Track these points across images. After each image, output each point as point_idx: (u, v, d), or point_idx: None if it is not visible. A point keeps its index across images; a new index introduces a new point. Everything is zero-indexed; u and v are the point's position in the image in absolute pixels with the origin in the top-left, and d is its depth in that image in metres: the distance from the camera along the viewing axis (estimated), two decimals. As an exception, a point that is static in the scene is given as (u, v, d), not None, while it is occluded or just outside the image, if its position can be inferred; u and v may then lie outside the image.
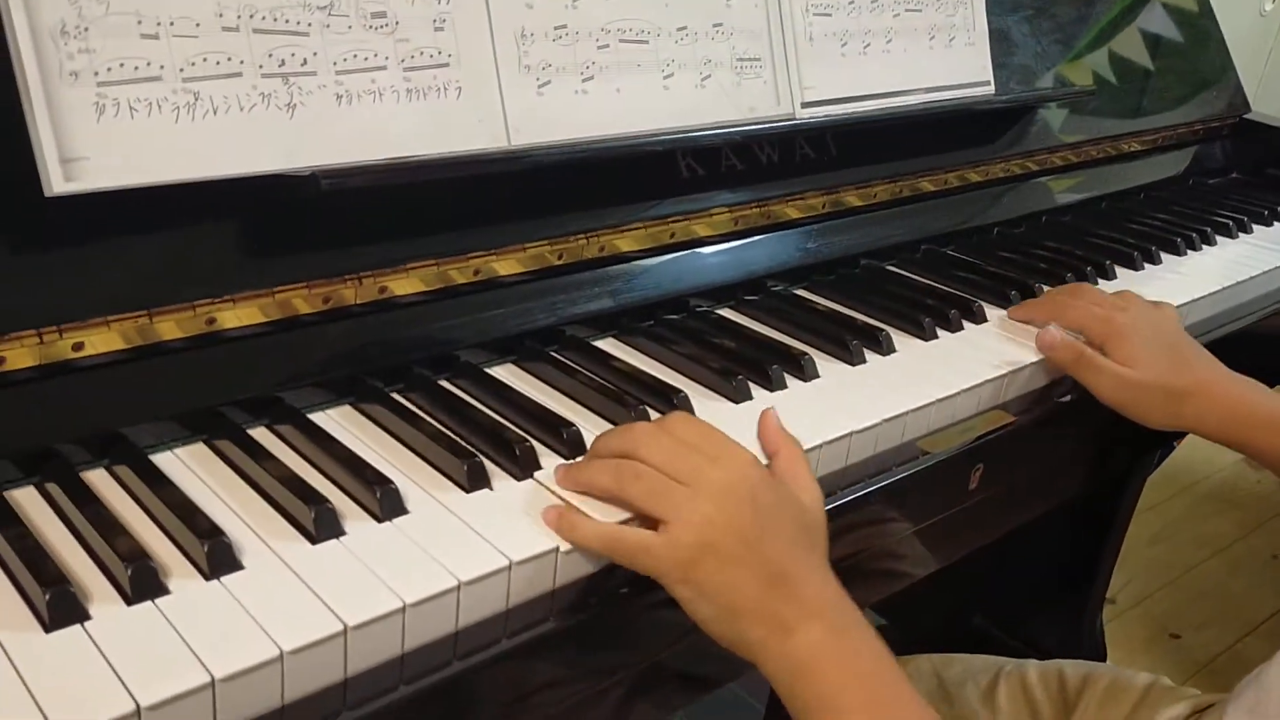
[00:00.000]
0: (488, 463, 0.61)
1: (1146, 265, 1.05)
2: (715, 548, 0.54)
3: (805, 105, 0.84)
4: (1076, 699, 0.84)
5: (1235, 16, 1.46)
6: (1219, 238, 1.15)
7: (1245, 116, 1.37)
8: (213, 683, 0.45)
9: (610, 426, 0.67)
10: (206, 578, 0.50)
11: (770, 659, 0.55)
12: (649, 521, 0.56)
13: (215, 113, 0.57)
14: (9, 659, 0.45)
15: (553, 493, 0.60)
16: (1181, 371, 0.79)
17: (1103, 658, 1.51)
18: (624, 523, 0.57)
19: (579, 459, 0.62)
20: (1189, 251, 1.10)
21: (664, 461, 0.57)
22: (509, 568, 0.54)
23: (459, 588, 0.52)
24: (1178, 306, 0.95)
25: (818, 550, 0.58)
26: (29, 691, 0.43)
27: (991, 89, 1.00)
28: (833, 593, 0.56)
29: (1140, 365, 0.78)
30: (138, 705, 0.43)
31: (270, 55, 0.58)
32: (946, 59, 0.95)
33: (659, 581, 0.56)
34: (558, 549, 0.56)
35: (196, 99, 0.56)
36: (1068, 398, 0.83)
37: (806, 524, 0.58)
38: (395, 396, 0.68)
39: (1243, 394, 0.79)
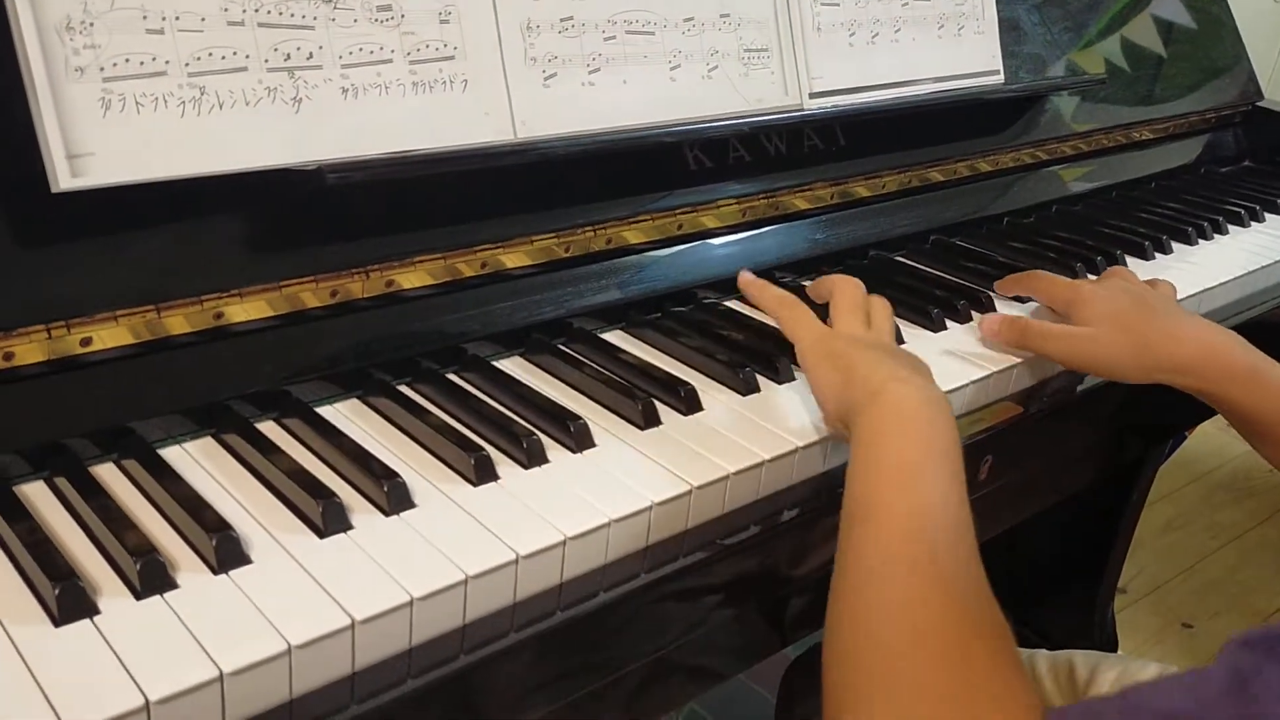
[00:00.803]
0: (495, 456, 0.61)
1: (1158, 255, 1.04)
2: (853, 339, 0.70)
3: (813, 96, 0.84)
4: (1086, 689, 0.84)
5: (1247, 3, 1.45)
6: (1231, 226, 1.14)
7: (1258, 104, 1.36)
8: (221, 677, 0.45)
9: (617, 419, 0.67)
10: (215, 572, 0.51)
11: (860, 408, 0.62)
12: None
13: (221, 107, 0.57)
14: (18, 653, 0.45)
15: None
16: (1147, 324, 0.78)
17: (1114, 648, 1.50)
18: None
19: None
20: (1200, 240, 1.09)
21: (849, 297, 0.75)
22: (516, 561, 0.54)
23: (466, 581, 0.52)
24: (1191, 295, 0.95)
25: (909, 364, 0.67)
26: (39, 685, 0.43)
27: (1001, 78, 0.99)
28: (911, 378, 0.64)
29: (1101, 324, 0.77)
30: (147, 699, 0.43)
31: (276, 49, 0.58)
32: (955, 48, 0.94)
33: (797, 347, 0.71)
34: (564, 542, 0.56)
35: (202, 94, 0.56)
36: (1083, 386, 0.82)
37: (897, 353, 0.70)
38: (403, 390, 0.68)
39: (1216, 341, 0.77)
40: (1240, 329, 0.97)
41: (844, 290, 0.76)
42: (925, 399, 0.62)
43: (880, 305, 0.76)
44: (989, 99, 0.99)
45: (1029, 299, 0.89)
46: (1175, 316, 0.80)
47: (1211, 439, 2.16)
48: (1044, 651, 0.90)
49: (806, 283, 0.83)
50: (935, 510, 0.56)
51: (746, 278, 0.80)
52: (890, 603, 0.53)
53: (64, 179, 0.52)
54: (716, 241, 0.85)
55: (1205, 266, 1.02)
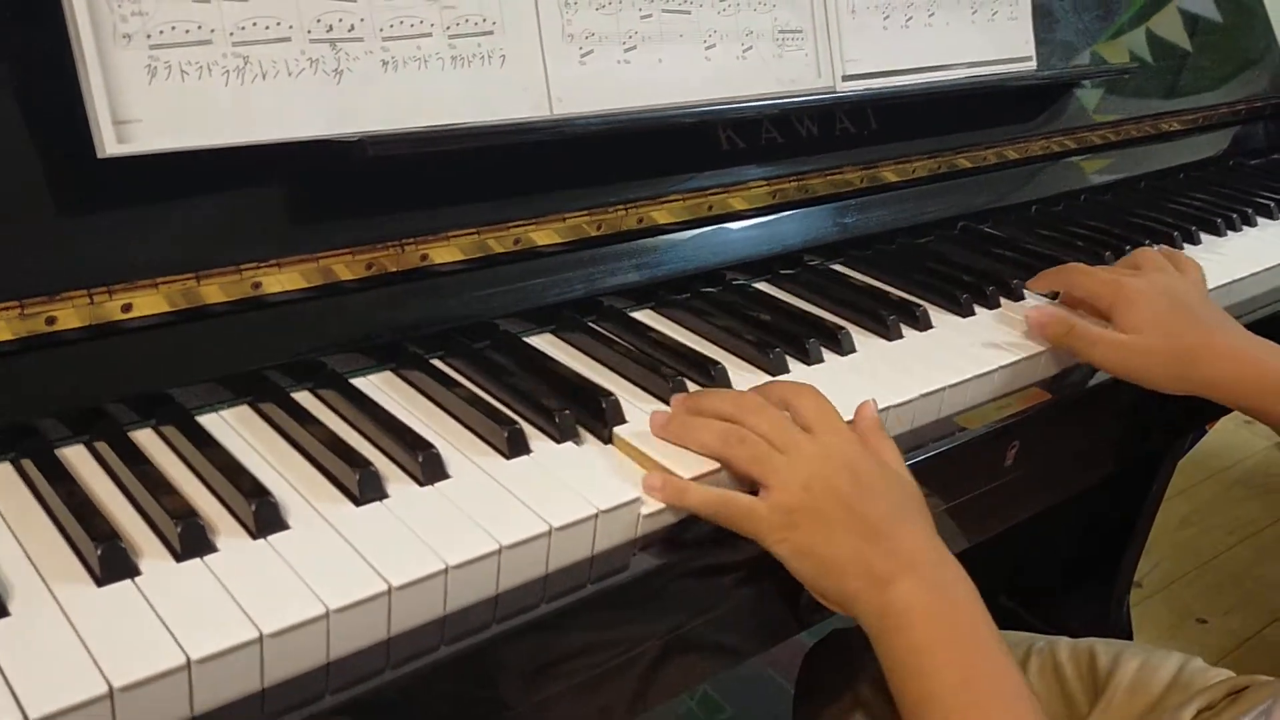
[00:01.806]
0: (528, 430, 0.61)
1: (1186, 245, 1.04)
2: (814, 511, 0.57)
3: (846, 78, 0.84)
4: (1108, 679, 0.84)
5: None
6: (1260, 219, 1.13)
7: (1288, 97, 1.35)
8: (260, 638, 0.46)
9: (648, 396, 0.68)
10: (253, 536, 0.51)
11: (867, 612, 0.57)
12: (742, 486, 0.60)
13: (264, 77, 0.57)
14: (62, 610, 0.46)
15: (632, 451, 0.61)
16: (1187, 332, 0.76)
17: (1129, 640, 1.50)
18: (698, 478, 0.59)
19: (669, 410, 0.64)
20: (1229, 232, 1.09)
21: (767, 430, 0.60)
22: (549, 533, 0.54)
23: (500, 551, 0.53)
24: (1219, 286, 0.94)
25: (918, 513, 0.60)
26: (82, 641, 0.44)
27: (1033, 64, 0.99)
28: (932, 550, 0.58)
29: (1144, 330, 0.76)
30: (188, 657, 0.44)
31: (319, 21, 0.59)
32: (988, 33, 0.94)
33: (761, 543, 0.58)
34: (597, 514, 0.56)
35: (246, 63, 0.56)
36: (1067, 394, 0.81)
37: (905, 491, 0.61)
38: (436, 363, 0.68)
39: (1254, 355, 0.76)
40: (1267, 321, 0.98)
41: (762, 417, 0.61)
42: (940, 584, 0.57)
43: (807, 396, 0.63)
44: (1021, 86, 0.99)
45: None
46: (1216, 325, 0.78)
47: (1231, 435, 2.15)
48: (1065, 639, 0.90)
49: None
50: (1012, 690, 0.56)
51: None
52: None
53: (110, 145, 0.52)
54: (746, 224, 0.85)
55: (1234, 258, 1.02)
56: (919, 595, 0.56)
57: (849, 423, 0.64)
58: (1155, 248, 0.93)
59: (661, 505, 0.58)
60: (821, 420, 0.61)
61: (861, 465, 0.60)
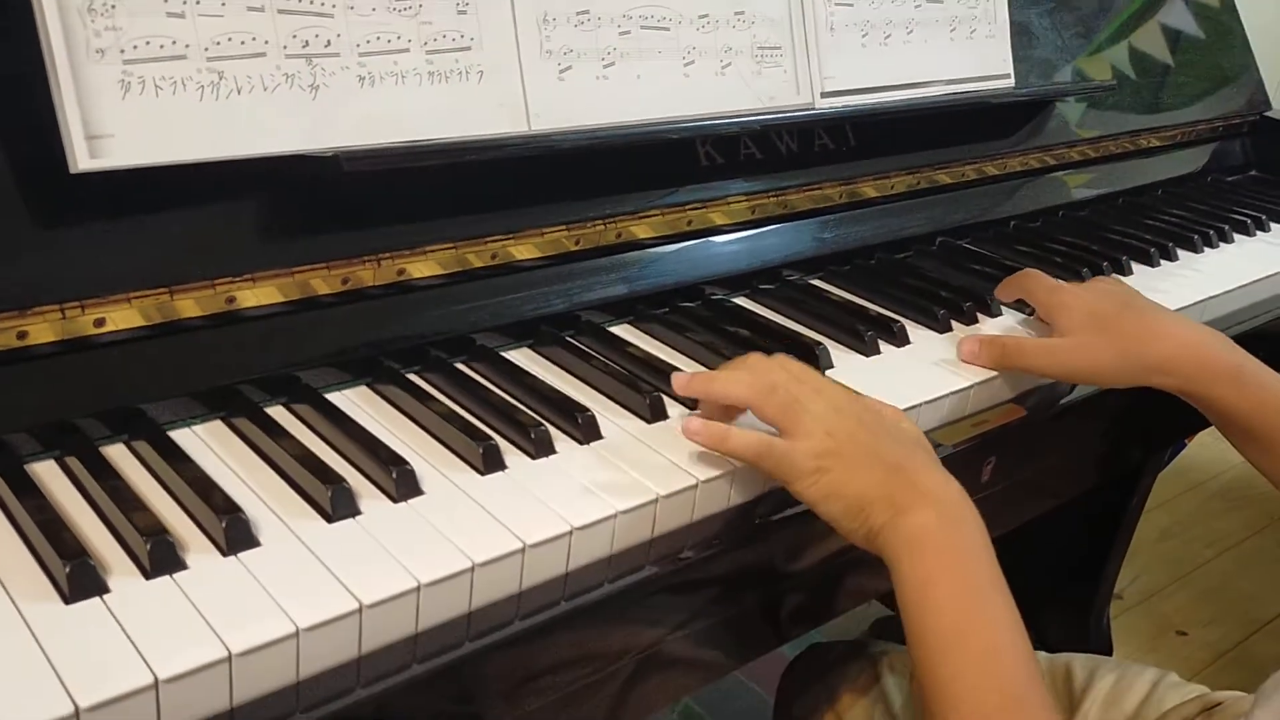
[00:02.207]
0: (503, 445, 0.61)
1: (1163, 262, 1.04)
2: (841, 455, 0.61)
3: (825, 95, 0.84)
4: (1083, 694, 0.84)
5: (1258, 13, 1.45)
6: (1237, 235, 1.14)
7: (1265, 114, 1.37)
8: (229, 658, 0.45)
9: (625, 412, 0.68)
10: (224, 554, 0.51)
11: (889, 541, 0.60)
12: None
13: (239, 92, 0.57)
14: (29, 629, 0.45)
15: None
16: (1125, 321, 0.77)
17: (1109, 653, 1.51)
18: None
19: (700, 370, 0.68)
20: (1206, 249, 1.09)
21: (783, 383, 0.63)
22: (523, 550, 0.54)
23: (474, 569, 0.53)
24: (1196, 302, 0.95)
25: (927, 454, 0.64)
26: (49, 661, 0.44)
27: (1012, 82, 0.99)
28: (945, 484, 0.61)
29: (1078, 330, 0.77)
30: (155, 677, 0.43)
31: (294, 36, 0.59)
32: (967, 51, 0.95)
33: (792, 486, 0.62)
34: (571, 532, 0.56)
35: (221, 78, 0.56)
36: (1087, 391, 0.83)
37: (912, 435, 0.65)
38: (412, 378, 0.68)
39: (1200, 340, 0.77)
40: (1244, 337, 0.98)
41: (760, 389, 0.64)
42: (953, 516, 0.60)
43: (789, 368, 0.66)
44: (999, 102, 1.00)
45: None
46: (1157, 314, 0.80)
47: (1210, 448, 2.16)
48: (1041, 654, 0.90)
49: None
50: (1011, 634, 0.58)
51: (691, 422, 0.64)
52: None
53: (83, 160, 0.52)
54: (725, 239, 0.86)
55: (1211, 274, 1.02)
56: (934, 525, 0.59)
57: None
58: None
59: (635, 515, 0.58)
60: (820, 381, 0.65)
61: (868, 415, 0.64)
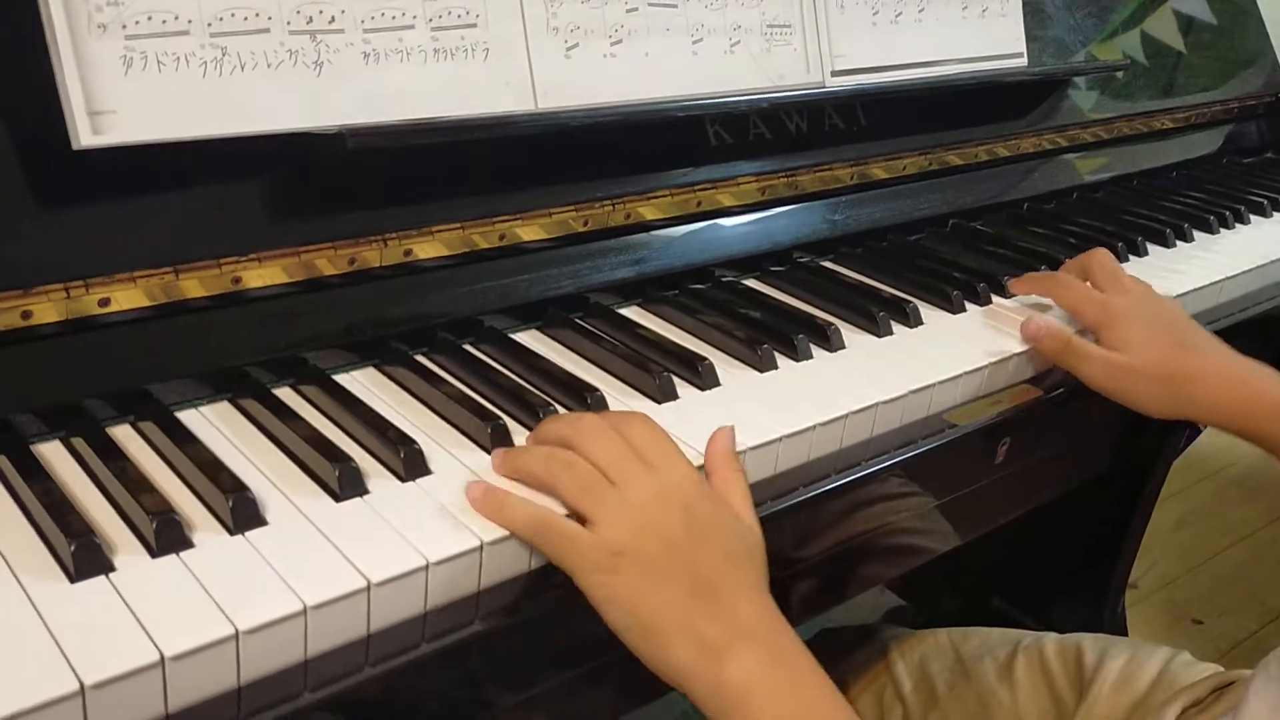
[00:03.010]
0: (511, 425, 0.61)
1: (1179, 243, 1.03)
2: (639, 554, 0.51)
3: (835, 74, 0.83)
4: (1094, 674, 0.83)
5: (1273, 4, 1.44)
6: (1253, 216, 1.13)
7: (1281, 95, 1.35)
8: (236, 635, 0.45)
9: (635, 393, 0.67)
10: (231, 532, 0.51)
11: (699, 686, 0.50)
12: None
13: (243, 69, 0.56)
14: (35, 607, 0.45)
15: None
16: (1180, 355, 0.75)
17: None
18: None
19: (520, 445, 0.59)
20: (1222, 230, 1.08)
21: (603, 458, 0.54)
22: (532, 529, 0.54)
23: (483, 548, 0.52)
24: (1212, 283, 0.94)
25: (756, 571, 0.54)
26: (54, 639, 0.43)
27: (1024, 61, 0.98)
28: (770, 615, 0.52)
29: (1134, 350, 0.75)
30: (162, 655, 0.43)
31: (298, 12, 0.58)
32: (979, 30, 0.93)
33: (578, 581, 0.52)
34: (581, 512, 0.55)
35: (224, 54, 0.56)
36: (1058, 391, 0.80)
37: (745, 543, 0.55)
38: (420, 359, 0.67)
39: (1248, 379, 0.75)
40: (1260, 319, 0.97)
41: (587, 445, 0.55)
42: (775, 651, 0.51)
43: (635, 424, 0.56)
44: (1011, 82, 0.99)
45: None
46: (1203, 349, 0.77)
47: (1226, 437, 2.14)
48: (1052, 635, 0.90)
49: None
50: None
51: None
52: None
53: (85, 136, 0.52)
54: (735, 220, 0.85)
55: (1227, 255, 1.01)
56: (759, 670, 0.50)
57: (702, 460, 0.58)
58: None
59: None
60: (660, 455, 0.54)
61: (700, 508, 0.53)
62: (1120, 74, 1.13)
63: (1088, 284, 0.82)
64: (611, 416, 0.58)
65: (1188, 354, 0.76)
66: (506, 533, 0.53)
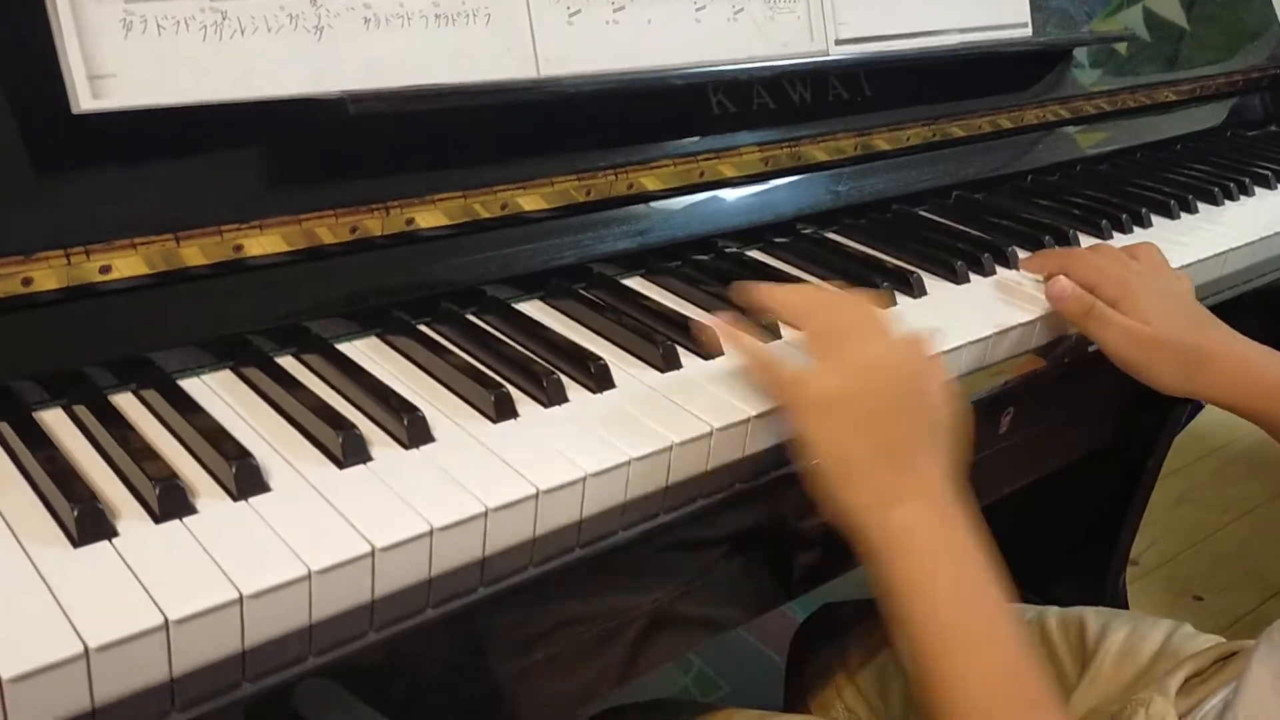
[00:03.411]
0: (515, 393, 0.60)
1: (1183, 215, 1.03)
2: (847, 406, 0.57)
3: (839, 42, 0.83)
4: (1096, 646, 0.83)
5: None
6: (1258, 189, 1.12)
7: (1287, 68, 1.34)
8: (240, 599, 0.45)
9: (639, 362, 0.67)
10: (234, 498, 0.50)
11: (867, 526, 0.56)
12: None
13: (243, 33, 0.56)
14: (38, 572, 0.45)
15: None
16: (1197, 331, 0.75)
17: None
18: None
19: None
20: (1226, 201, 1.08)
21: (847, 315, 0.61)
22: (536, 496, 0.54)
23: (487, 514, 0.52)
24: (1216, 254, 0.93)
25: (946, 449, 0.59)
26: (58, 603, 0.43)
27: (1029, 31, 0.98)
28: (944, 483, 0.57)
29: (1155, 322, 0.75)
30: (166, 618, 0.43)
31: (298, -25, 0.57)
32: (983, -1, 0.93)
33: (792, 415, 0.58)
34: (585, 478, 0.55)
35: (224, 18, 0.55)
36: (1062, 362, 0.80)
37: (944, 423, 0.60)
38: (422, 329, 0.67)
39: (1254, 360, 0.75)
40: (1264, 290, 0.97)
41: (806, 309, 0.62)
42: (940, 503, 0.57)
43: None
44: (1016, 52, 0.98)
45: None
46: (1215, 328, 0.77)
47: (1225, 413, 2.14)
48: (1054, 608, 0.90)
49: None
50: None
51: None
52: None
53: (85, 100, 0.51)
54: (737, 191, 0.84)
55: (1231, 226, 1.01)
56: (921, 522, 0.55)
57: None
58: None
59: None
60: (879, 331, 0.61)
61: (911, 384, 0.59)
62: (1124, 46, 1.12)
63: (1099, 258, 0.81)
64: (848, 290, 0.66)
65: (1205, 331, 0.76)
66: (510, 499, 0.52)
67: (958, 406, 0.60)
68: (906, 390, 0.59)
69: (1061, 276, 0.78)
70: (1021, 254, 0.88)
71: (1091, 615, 0.87)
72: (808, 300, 0.62)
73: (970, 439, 0.60)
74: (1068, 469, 0.96)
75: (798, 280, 0.80)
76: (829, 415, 0.57)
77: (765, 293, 0.64)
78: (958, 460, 0.59)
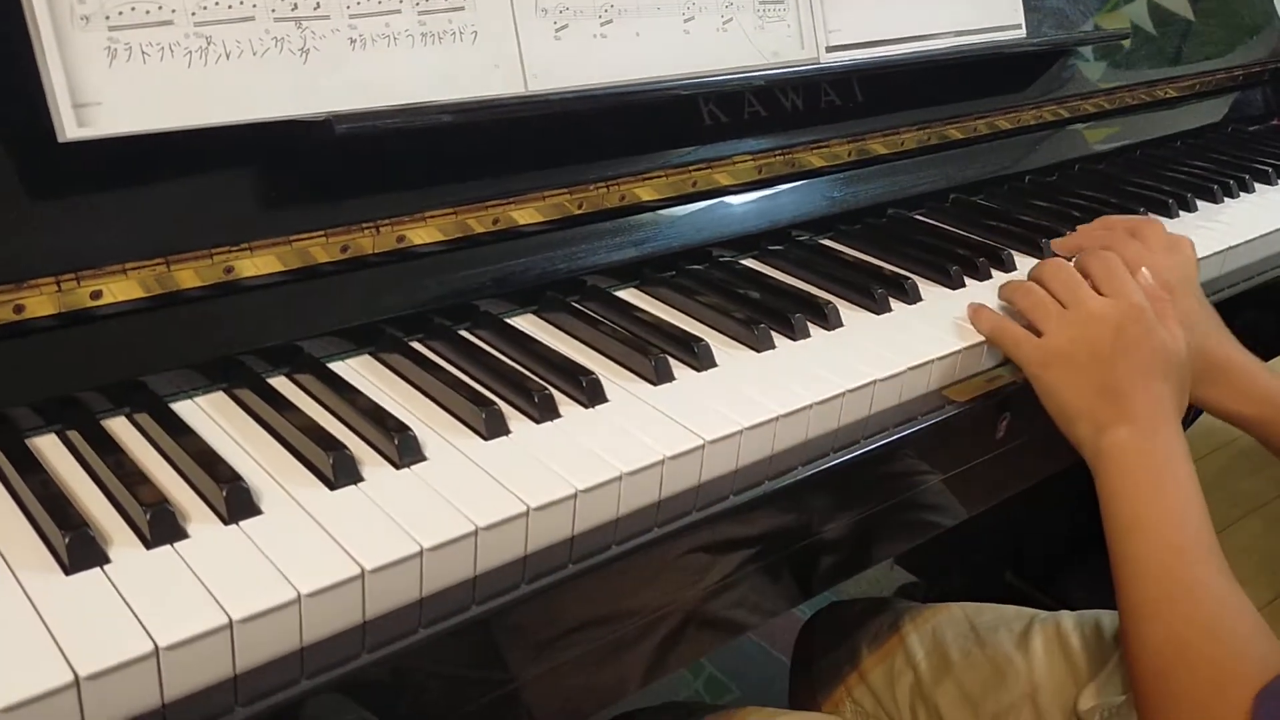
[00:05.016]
0: (506, 410, 0.61)
1: (1182, 213, 1.02)
2: (1069, 358, 0.69)
3: (830, 49, 0.83)
4: (1114, 646, 0.83)
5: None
6: (1258, 185, 1.12)
7: (1288, 62, 1.34)
8: (230, 624, 0.45)
9: (631, 375, 0.67)
10: (225, 522, 0.51)
11: (1088, 452, 0.68)
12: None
13: (228, 57, 0.56)
14: (30, 600, 0.45)
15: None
16: (1219, 342, 0.78)
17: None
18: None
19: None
20: (1226, 199, 1.07)
21: (1057, 287, 0.73)
22: (527, 514, 0.54)
23: (477, 533, 0.52)
24: (1216, 253, 0.93)
25: (1166, 376, 0.68)
26: (49, 631, 0.43)
27: (1023, 31, 0.97)
28: (1161, 411, 0.67)
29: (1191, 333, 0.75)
30: (156, 645, 0.43)
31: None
32: (975, 0, 0.92)
33: (1023, 369, 0.72)
34: (576, 495, 0.55)
35: (209, 43, 0.55)
36: None
37: (1165, 355, 0.69)
38: (415, 346, 0.67)
39: (1252, 369, 0.78)
40: (1264, 288, 0.96)
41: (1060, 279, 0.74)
42: (1150, 429, 0.66)
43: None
44: (1010, 53, 0.98)
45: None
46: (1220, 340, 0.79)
47: (1237, 407, 2.12)
48: (1070, 612, 0.89)
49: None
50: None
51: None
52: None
53: (70, 128, 0.52)
54: (732, 199, 0.84)
55: (1230, 224, 1.00)
56: (1130, 443, 0.66)
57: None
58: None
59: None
60: (1116, 285, 0.71)
61: (1131, 330, 0.69)
62: (1122, 43, 1.11)
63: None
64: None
65: (1223, 342, 0.79)
66: (501, 518, 0.53)
67: (1178, 332, 0.71)
68: (1125, 334, 0.68)
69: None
70: (1018, 257, 0.88)
71: (1108, 617, 0.87)
72: (1016, 290, 0.75)
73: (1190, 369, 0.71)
74: (1077, 467, 0.96)
75: (793, 288, 0.80)
76: (1050, 369, 0.69)
77: (1003, 290, 0.77)
78: (1177, 382, 0.69)
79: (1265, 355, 1.13)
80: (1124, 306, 0.70)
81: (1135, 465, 0.65)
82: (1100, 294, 0.71)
